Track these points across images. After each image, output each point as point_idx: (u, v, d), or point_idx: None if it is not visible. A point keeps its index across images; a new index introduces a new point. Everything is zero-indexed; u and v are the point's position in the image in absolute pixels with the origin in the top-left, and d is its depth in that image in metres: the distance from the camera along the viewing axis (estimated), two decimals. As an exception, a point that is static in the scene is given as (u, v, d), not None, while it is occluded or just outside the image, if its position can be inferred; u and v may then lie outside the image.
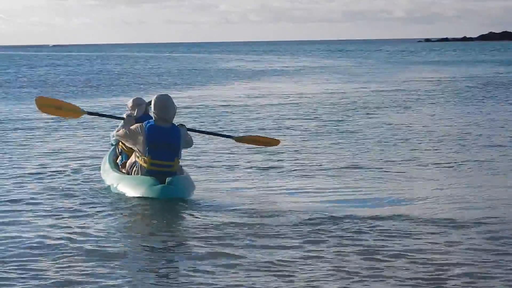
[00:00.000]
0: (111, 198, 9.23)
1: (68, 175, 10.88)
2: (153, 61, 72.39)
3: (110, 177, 9.68)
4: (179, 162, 9.33)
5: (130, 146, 9.46)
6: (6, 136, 15.65)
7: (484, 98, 24.60)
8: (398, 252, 6.74)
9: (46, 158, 12.61)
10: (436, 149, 13.31)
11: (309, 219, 8.01)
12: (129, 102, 10.04)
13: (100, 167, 10.44)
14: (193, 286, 5.91)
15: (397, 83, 33.62)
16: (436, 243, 7.06)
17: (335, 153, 12.96)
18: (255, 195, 9.53)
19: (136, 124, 9.29)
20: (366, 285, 5.94)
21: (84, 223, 7.95)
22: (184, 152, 9.65)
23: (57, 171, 11.22)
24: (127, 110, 10.05)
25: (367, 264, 6.43)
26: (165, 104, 9.19)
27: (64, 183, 10.25)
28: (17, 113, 20.76)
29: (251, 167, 11.56)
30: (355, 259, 6.57)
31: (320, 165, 11.72)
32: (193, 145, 9.84)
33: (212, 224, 7.87)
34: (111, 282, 5.97)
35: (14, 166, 11.73)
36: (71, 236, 7.36)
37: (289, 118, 19.08)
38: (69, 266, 6.38)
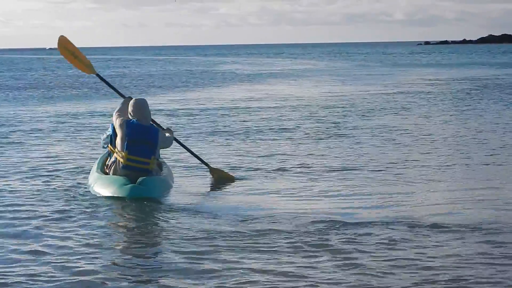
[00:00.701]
0: (89, 202, 9.11)
1: (57, 178, 10.84)
2: (153, 64, 72.40)
3: (91, 178, 9.91)
4: (155, 161, 9.65)
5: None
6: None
7: (483, 100, 24.58)
8: (397, 257, 6.71)
9: (38, 161, 12.53)
10: (435, 152, 13.29)
11: (308, 222, 7.99)
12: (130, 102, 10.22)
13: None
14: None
15: (397, 85, 33.62)
16: (434, 247, 7.05)
17: (333, 156, 12.94)
18: (253, 198, 9.52)
19: (121, 118, 9.65)
20: (367, 285, 5.94)
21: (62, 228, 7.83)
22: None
23: (47, 174, 11.16)
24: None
25: (367, 267, 6.41)
26: (141, 106, 9.68)
27: (49, 186, 10.20)
28: (14, 117, 20.77)
29: (248, 170, 11.56)
30: (354, 261, 6.55)
31: (319, 167, 11.70)
32: (172, 145, 10.13)
33: (211, 228, 7.86)
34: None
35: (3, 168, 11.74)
36: (40, 249, 7.02)
37: (289, 120, 19.07)
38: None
